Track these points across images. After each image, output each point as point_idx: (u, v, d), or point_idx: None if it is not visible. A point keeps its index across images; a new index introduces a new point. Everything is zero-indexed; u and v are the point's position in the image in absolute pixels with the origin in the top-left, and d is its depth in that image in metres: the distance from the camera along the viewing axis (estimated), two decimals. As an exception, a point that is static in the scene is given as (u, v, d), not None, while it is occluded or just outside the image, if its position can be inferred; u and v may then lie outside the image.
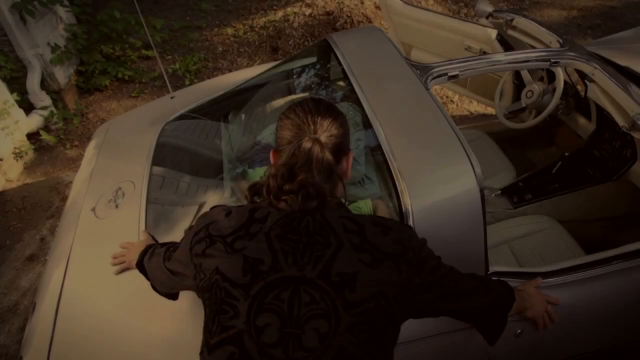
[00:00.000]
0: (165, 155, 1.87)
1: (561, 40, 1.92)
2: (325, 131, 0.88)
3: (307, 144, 0.85)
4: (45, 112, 3.59)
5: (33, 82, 3.50)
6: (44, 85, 3.65)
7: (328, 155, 0.86)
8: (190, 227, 0.96)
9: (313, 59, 2.14)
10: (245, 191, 0.90)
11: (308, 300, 0.78)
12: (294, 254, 0.81)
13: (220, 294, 0.81)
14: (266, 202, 0.87)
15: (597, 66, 1.76)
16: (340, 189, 0.91)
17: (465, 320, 1.12)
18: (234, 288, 0.80)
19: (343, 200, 0.94)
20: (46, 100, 3.61)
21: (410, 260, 0.87)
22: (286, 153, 0.86)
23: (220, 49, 4.71)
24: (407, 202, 1.19)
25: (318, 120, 0.88)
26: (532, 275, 1.41)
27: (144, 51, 4.58)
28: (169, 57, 4.63)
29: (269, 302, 0.78)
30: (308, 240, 0.82)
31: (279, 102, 2.18)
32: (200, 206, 1.67)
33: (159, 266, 1.10)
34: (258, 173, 1.72)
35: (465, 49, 2.40)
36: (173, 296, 1.20)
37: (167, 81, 2.50)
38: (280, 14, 4.82)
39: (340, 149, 0.91)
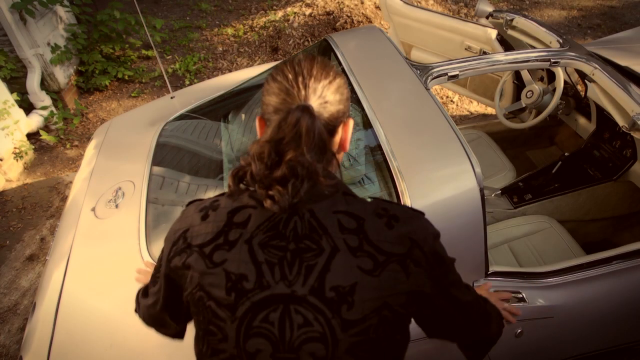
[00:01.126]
0: (165, 155, 1.87)
1: (561, 40, 1.92)
2: (319, 97, 0.74)
3: (295, 114, 0.70)
4: (45, 112, 3.59)
5: (33, 82, 3.50)
6: (44, 85, 3.65)
7: (320, 127, 0.71)
8: (168, 236, 0.82)
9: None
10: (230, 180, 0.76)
11: (301, 322, 0.68)
12: (280, 265, 0.69)
13: (207, 314, 0.72)
14: (246, 197, 0.75)
15: (597, 66, 1.76)
16: (334, 165, 0.77)
17: (453, 340, 0.94)
18: (219, 308, 0.71)
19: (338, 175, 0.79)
20: (46, 100, 3.61)
21: (419, 258, 0.73)
22: (272, 125, 0.71)
23: (220, 49, 4.71)
24: (407, 202, 1.19)
25: (310, 84, 0.73)
26: (532, 275, 1.41)
27: (144, 51, 4.58)
28: (169, 57, 4.63)
29: (258, 325, 0.69)
30: (297, 247, 0.70)
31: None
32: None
33: (146, 292, 0.96)
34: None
35: (465, 49, 2.40)
36: (179, 333, 1.00)
37: (167, 81, 2.50)
38: (280, 14, 4.82)
39: (336, 117, 0.77)
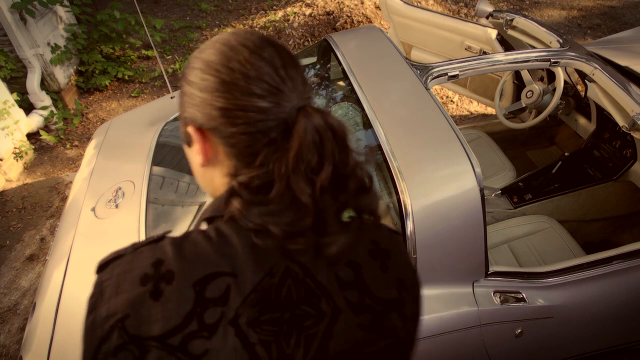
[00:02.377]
0: (165, 155, 1.87)
1: (561, 40, 1.92)
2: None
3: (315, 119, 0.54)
4: (45, 112, 3.59)
5: (33, 82, 3.50)
6: (44, 85, 3.65)
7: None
8: (88, 329, 0.58)
9: (313, 59, 2.14)
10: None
11: None
12: (277, 342, 0.55)
13: None
14: (211, 253, 0.55)
15: (597, 66, 1.76)
16: None
17: None
18: None
19: None
20: (46, 100, 3.61)
21: (411, 300, 0.64)
22: (297, 140, 0.53)
23: (220, 49, 4.71)
24: (407, 201, 1.19)
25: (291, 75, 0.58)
26: (532, 275, 1.41)
27: (144, 51, 4.58)
28: (169, 57, 4.63)
29: None
30: (292, 314, 0.56)
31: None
32: (200, 206, 1.67)
33: None
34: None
35: (465, 49, 2.40)
36: None
37: (167, 81, 2.50)
38: (280, 14, 4.82)
39: None
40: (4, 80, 3.34)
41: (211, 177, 0.62)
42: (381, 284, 0.61)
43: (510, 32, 2.32)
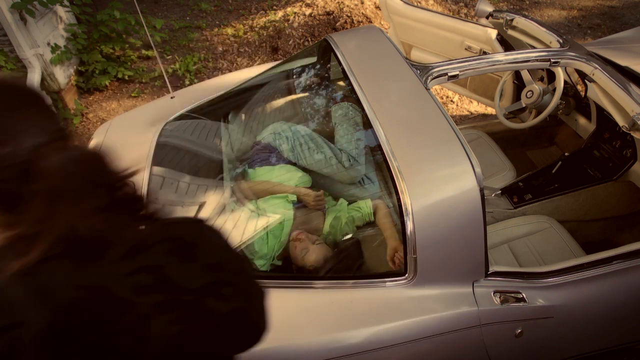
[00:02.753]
0: (165, 155, 1.87)
1: (561, 40, 1.92)
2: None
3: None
4: (45, 112, 3.59)
5: (33, 82, 3.50)
6: (44, 85, 3.65)
7: None
8: None
9: (313, 59, 2.14)
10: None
11: None
12: None
13: None
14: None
15: (597, 66, 1.76)
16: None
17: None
18: None
19: None
20: (46, 100, 3.61)
21: (229, 278, 0.67)
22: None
23: (220, 49, 4.70)
24: (407, 201, 1.19)
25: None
26: (532, 275, 1.41)
27: (144, 51, 4.58)
28: (169, 57, 4.63)
29: None
30: (99, 336, 0.55)
31: (279, 102, 2.18)
32: (200, 206, 1.67)
33: None
34: (258, 173, 1.72)
35: (465, 49, 2.40)
36: None
37: (167, 81, 2.50)
38: (280, 14, 4.82)
39: None
40: (4, 80, 3.34)
41: None
42: (190, 275, 0.62)
43: (510, 32, 2.32)
